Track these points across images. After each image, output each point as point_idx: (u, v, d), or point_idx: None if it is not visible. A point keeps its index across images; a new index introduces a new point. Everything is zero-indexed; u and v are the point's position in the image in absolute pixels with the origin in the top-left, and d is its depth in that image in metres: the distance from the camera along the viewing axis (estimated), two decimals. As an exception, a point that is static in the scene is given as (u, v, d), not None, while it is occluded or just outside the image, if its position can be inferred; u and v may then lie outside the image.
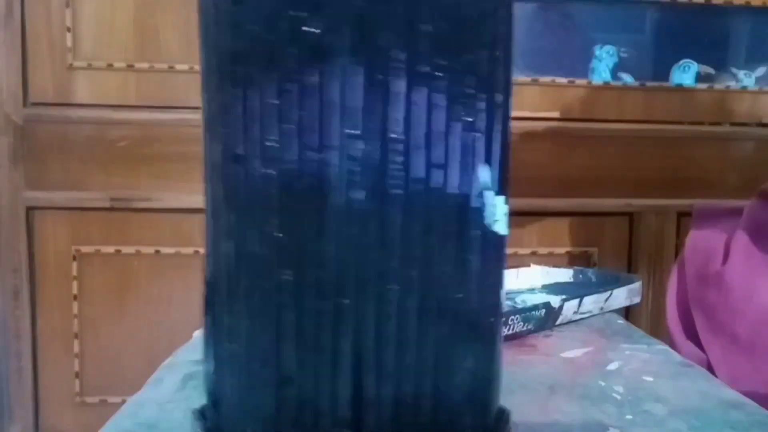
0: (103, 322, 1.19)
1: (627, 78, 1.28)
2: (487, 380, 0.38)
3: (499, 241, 0.37)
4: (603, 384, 0.57)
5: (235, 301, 0.40)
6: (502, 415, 0.40)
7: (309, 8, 0.34)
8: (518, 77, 1.21)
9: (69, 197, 1.17)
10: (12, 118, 1.15)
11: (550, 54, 1.34)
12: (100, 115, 1.17)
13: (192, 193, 1.18)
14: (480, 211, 0.36)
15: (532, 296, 0.93)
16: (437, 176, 0.35)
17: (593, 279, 0.80)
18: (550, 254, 1.22)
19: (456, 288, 0.36)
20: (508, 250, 1.04)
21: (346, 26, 0.34)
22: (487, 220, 0.37)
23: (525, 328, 0.67)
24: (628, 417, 0.51)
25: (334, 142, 0.35)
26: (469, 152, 0.35)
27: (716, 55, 1.32)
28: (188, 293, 1.19)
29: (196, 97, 1.20)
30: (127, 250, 1.18)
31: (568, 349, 0.62)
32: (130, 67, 1.16)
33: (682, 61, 1.28)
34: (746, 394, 0.51)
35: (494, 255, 0.37)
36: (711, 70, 1.29)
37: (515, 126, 1.32)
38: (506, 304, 0.89)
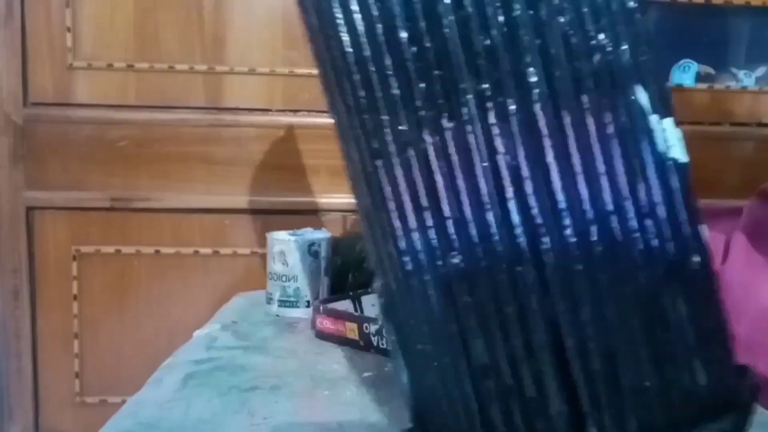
0: (103, 322, 1.19)
1: (627, 78, 1.27)
2: (711, 330, 0.37)
3: (681, 169, 0.36)
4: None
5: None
6: (744, 372, 0.38)
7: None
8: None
9: (69, 197, 1.17)
10: (12, 118, 1.15)
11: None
12: (100, 115, 1.17)
13: (192, 193, 1.18)
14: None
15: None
16: None
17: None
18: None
19: (651, 234, 0.35)
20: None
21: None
22: (660, 147, 0.35)
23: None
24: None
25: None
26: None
27: (716, 55, 1.32)
28: (188, 293, 1.19)
29: (196, 97, 1.21)
30: (127, 250, 1.18)
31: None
32: (130, 67, 1.16)
33: (682, 61, 1.28)
34: (746, 394, 0.51)
35: (681, 185, 0.36)
36: (711, 70, 1.29)
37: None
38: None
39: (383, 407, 0.54)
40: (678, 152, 0.36)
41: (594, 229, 0.36)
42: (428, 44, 0.37)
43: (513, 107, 0.36)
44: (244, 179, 1.19)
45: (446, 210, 0.37)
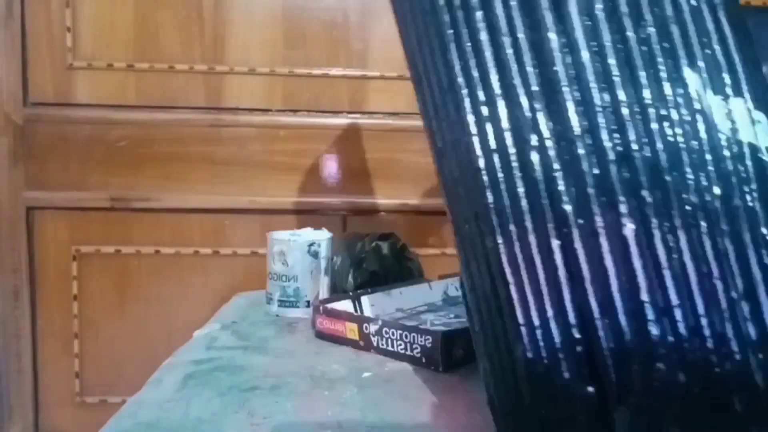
0: (103, 322, 1.19)
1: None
2: None
3: None
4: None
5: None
6: None
7: None
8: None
9: (69, 197, 1.17)
10: (12, 118, 1.15)
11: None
12: (100, 115, 1.17)
13: (192, 193, 1.18)
14: None
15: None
16: None
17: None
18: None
19: None
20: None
21: None
22: None
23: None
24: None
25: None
26: None
27: (716, 55, 1.31)
28: (188, 293, 1.19)
29: (196, 97, 1.21)
30: (127, 250, 1.18)
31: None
32: (130, 67, 1.16)
33: (682, 61, 1.28)
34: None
35: None
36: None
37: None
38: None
39: (383, 407, 0.54)
40: None
41: None
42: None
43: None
44: (244, 179, 1.19)
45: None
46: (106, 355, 1.19)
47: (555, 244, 0.38)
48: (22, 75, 1.15)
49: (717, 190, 0.37)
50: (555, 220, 0.38)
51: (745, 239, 0.36)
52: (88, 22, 1.15)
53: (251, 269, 1.17)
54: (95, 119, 1.16)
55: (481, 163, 0.40)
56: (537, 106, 0.38)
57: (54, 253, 1.18)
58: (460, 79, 0.40)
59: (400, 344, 0.66)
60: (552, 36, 0.38)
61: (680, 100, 0.38)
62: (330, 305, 0.76)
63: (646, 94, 0.38)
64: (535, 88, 0.39)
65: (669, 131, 0.37)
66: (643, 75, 0.38)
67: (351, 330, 0.71)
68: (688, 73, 0.38)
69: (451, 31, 0.41)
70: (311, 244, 0.85)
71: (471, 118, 0.40)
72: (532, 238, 0.38)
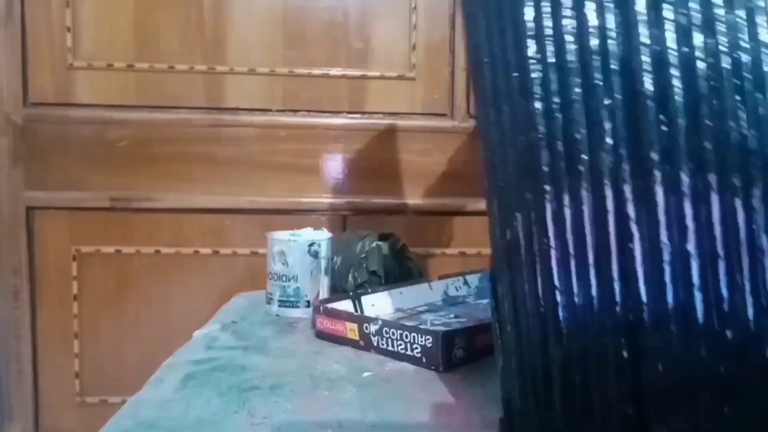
0: (103, 322, 1.19)
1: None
2: None
3: None
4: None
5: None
6: None
7: None
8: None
9: (69, 197, 1.17)
10: (12, 118, 1.15)
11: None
12: (100, 115, 1.17)
13: (192, 193, 1.18)
14: None
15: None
16: None
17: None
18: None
19: None
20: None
21: None
22: None
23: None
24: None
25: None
26: None
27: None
28: (188, 293, 1.19)
29: (196, 97, 1.21)
30: (127, 250, 1.18)
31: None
32: (130, 67, 1.16)
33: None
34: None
35: None
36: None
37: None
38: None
39: (383, 407, 0.54)
40: None
41: None
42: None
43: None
44: (244, 179, 1.19)
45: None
46: (106, 355, 1.19)
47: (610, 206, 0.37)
48: (22, 75, 1.15)
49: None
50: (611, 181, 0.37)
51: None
52: (88, 22, 1.15)
53: (251, 269, 1.17)
54: (95, 119, 1.16)
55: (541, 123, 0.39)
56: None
57: (54, 253, 1.18)
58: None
59: (400, 344, 0.66)
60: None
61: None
62: (330, 305, 0.76)
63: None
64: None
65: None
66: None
67: (351, 330, 0.71)
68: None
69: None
70: (311, 244, 0.85)
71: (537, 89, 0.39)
72: (585, 202, 0.37)
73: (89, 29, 1.15)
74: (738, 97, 0.35)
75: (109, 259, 1.18)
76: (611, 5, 0.37)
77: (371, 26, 1.19)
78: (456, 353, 0.65)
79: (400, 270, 0.94)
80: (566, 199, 0.38)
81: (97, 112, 1.17)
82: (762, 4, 0.35)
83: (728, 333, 0.35)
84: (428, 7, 1.19)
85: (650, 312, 0.36)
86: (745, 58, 0.35)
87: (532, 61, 0.39)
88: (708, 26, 0.36)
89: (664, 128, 0.36)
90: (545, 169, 0.38)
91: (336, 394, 0.57)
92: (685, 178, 0.36)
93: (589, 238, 0.38)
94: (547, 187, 0.38)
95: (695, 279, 0.35)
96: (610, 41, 0.37)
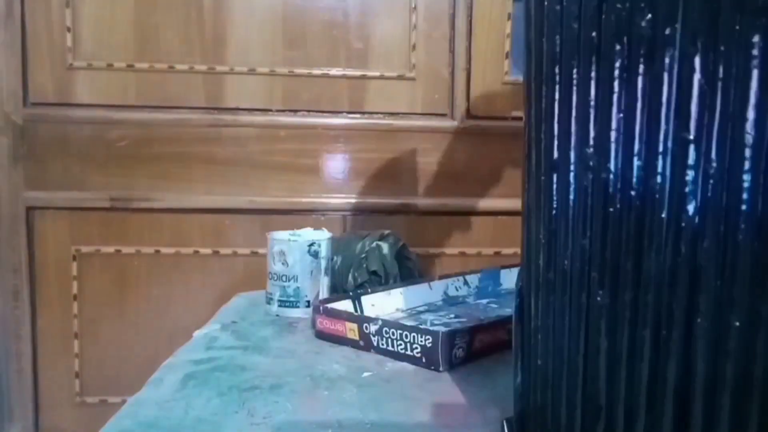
0: (103, 322, 1.19)
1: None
2: None
3: None
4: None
5: (545, 315, 0.38)
6: None
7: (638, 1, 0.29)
8: (519, 77, 1.21)
9: (69, 197, 1.17)
10: (12, 118, 1.15)
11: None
12: (100, 115, 1.17)
13: (192, 193, 1.18)
14: None
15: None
16: None
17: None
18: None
19: None
20: (509, 250, 1.05)
21: (681, 16, 0.28)
22: None
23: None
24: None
25: (662, 148, 0.30)
26: None
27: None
28: (188, 293, 1.19)
29: (196, 97, 1.21)
30: (127, 250, 1.18)
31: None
32: (130, 67, 1.16)
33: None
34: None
35: None
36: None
37: (515, 126, 1.31)
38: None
39: (383, 407, 0.54)
40: None
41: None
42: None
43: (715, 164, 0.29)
44: (244, 179, 1.19)
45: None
46: (106, 355, 1.19)
47: None
48: (22, 75, 1.15)
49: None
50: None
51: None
52: (88, 22, 1.15)
53: (251, 269, 1.17)
54: (95, 119, 1.16)
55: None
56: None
57: (54, 253, 1.18)
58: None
59: (400, 344, 0.66)
60: None
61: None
62: (330, 305, 0.76)
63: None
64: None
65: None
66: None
67: (351, 330, 0.71)
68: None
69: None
70: (311, 244, 0.85)
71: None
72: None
73: (89, 29, 1.15)
74: None
75: (109, 259, 1.18)
76: None
77: (371, 26, 1.19)
78: (456, 353, 0.65)
79: (400, 270, 0.94)
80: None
81: (97, 112, 1.17)
82: None
83: None
84: (428, 7, 1.19)
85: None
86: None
87: None
88: None
89: None
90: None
91: (336, 394, 0.57)
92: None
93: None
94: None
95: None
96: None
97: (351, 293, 0.82)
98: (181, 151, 1.18)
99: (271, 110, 1.19)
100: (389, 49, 1.19)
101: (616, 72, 0.32)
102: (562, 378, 0.38)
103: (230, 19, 1.17)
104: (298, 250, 0.85)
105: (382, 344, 0.68)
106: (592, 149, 0.34)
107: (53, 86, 1.16)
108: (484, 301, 0.91)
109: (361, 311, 0.80)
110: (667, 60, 0.29)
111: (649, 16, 0.30)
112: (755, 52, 0.27)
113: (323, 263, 0.86)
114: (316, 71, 1.19)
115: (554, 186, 0.37)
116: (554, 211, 0.37)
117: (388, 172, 1.21)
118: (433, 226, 1.22)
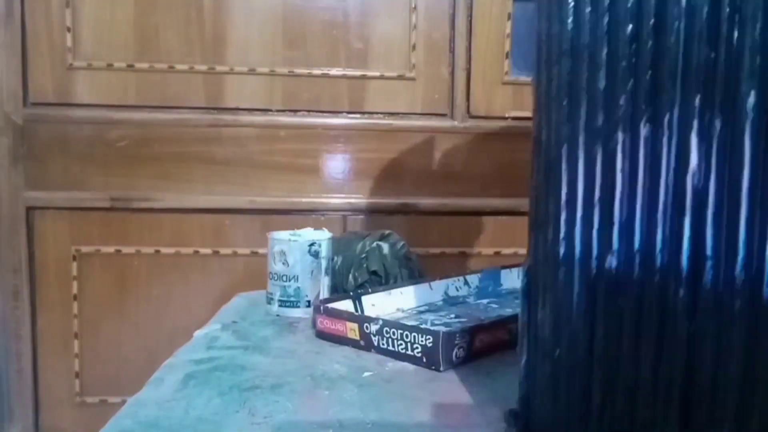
0: (103, 322, 1.19)
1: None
2: None
3: None
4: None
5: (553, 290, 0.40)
6: None
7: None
8: (519, 77, 1.21)
9: (69, 197, 1.17)
10: (12, 118, 1.15)
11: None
12: (100, 115, 1.17)
13: (192, 193, 1.18)
14: None
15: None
16: None
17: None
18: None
19: None
20: (509, 250, 1.05)
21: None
22: None
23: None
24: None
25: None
26: None
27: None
28: (188, 293, 1.19)
29: (195, 97, 1.21)
30: (127, 250, 1.18)
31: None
32: (130, 67, 1.16)
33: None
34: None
35: None
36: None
37: (515, 126, 1.31)
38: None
39: (383, 407, 0.54)
40: None
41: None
42: (650, 44, 0.36)
43: (719, 127, 0.35)
44: (244, 179, 1.19)
45: (617, 212, 0.37)
46: (106, 355, 1.19)
47: None
48: (22, 75, 1.15)
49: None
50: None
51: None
52: (88, 22, 1.15)
53: (251, 269, 1.17)
54: (95, 119, 1.16)
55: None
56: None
57: (54, 253, 1.18)
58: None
59: (401, 344, 0.66)
60: None
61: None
62: (330, 305, 0.76)
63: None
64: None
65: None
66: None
67: (351, 330, 0.71)
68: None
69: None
70: (311, 244, 0.85)
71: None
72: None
73: (89, 29, 1.15)
74: None
75: (109, 259, 1.18)
76: None
77: (371, 26, 1.19)
78: (456, 353, 0.65)
79: (400, 270, 0.94)
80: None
81: (97, 112, 1.17)
82: None
83: None
84: (428, 7, 1.19)
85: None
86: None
87: None
88: None
89: None
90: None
91: (336, 393, 0.57)
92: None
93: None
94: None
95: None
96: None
97: (351, 293, 0.82)
98: (181, 151, 1.18)
99: (271, 110, 1.19)
100: (389, 49, 1.19)
101: None
102: (565, 350, 0.39)
103: (230, 19, 1.17)
104: (299, 250, 0.85)
105: (383, 344, 0.68)
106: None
107: (53, 86, 1.16)
108: (485, 301, 0.91)
109: (362, 311, 0.80)
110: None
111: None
112: None
113: (324, 263, 0.86)
114: (316, 71, 1.19)
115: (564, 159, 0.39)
116: (565, 188, 0.38)
117: (388, 172, 1.21)
118: (433, 226, 1.22)
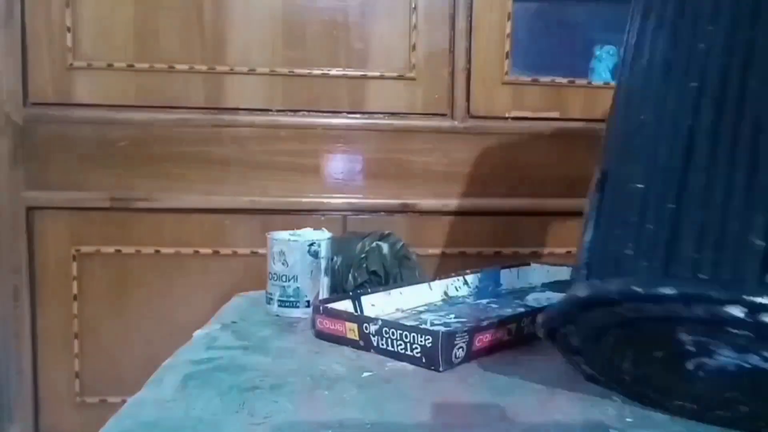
0: (103, 322, 1.19)
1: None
2: None
3: None
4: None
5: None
6: None
7: None
8: (518, 77, 1.21)
9: (69, 197, 1.17)
10: (12, 118, 1.15)
11: (550, 54, 1.34)
12: (100, 115, 1.17)
13: (192, 193, 1.18)
14: None
15: (541, 295, 0.93)
16: None
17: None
18: (551, 254, 1.22)
19: None
20: (508, 250, 1.05)
21: None
22: None
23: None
24: (628, 420, 0.51)
25: None
26: None
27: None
28: (188, 293, 1.19)
29: (196, 97, 1.21)
30: (127, 250, 1.18)
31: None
32: (130, 67, 1.16)
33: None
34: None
35: None
36: None
37: (515, 126, 1.31)
38: (518, 303, 0.89)
39: (383, 407, 0.54)
40: None
41: None
42: None
43: None
44: (244, 179, 1.19)
45: None
46: (106, 355, 1.19)
47: None
48: (22, 75, 1.15)
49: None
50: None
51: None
52: (88, 22, 1.15)
53: (251, 269, 1.17)
54: (95, 119, 1.16)
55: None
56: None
57: (54, 253, 1.18)
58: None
59: (400, 344, 0.66)
60: None
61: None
62: (330, 305, 0.76)
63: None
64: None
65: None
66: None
67: (351, 330, 0.71)
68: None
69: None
70: (311, 244, 0.85)
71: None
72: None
73: (89, 29, 1.15)
74: None
75: (109, 259, 1.18)
76: None
77: (371, 26, 1.19)
78: (456, 353, 0.65)
79: (400, 270, 0.94)
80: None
81: (97, 112, 1.17)
82: None
83: None
84: (428, 7, 1.19)
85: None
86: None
87: None
88: None
89: None
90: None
91: (336, 394, 0.57)
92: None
93: None
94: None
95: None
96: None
97: (351, 293, 0.82)
98: (181, 151, 1.18)
99: (271, 110, 1.19)
100: (389, 49, 1.19)
101: None
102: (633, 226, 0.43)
103: (230, 20, 1.17)
104: (298, 250, 0.85)
105: (382, 344, 0.68)
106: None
107: (53, 86, 1.16)
108: (484, 301, 0.91)
109: (361, 311, 0.80)
110: None
111: None
112: None
113: (323, 263, 0.86)
114: (316, 71, 1.19)
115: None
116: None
117: (388, 172, 1.21)
118: (433, 226, 1.22)
